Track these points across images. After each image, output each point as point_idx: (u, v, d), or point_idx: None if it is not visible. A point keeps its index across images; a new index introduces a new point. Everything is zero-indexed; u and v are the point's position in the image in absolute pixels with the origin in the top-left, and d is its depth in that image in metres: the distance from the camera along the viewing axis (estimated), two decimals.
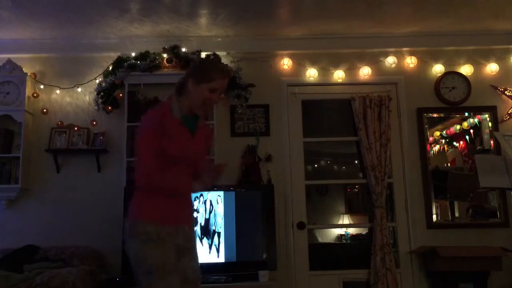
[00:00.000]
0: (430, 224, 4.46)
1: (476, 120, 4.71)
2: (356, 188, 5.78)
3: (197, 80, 2.40)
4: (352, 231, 5.41)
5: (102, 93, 4.46)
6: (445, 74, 4.66)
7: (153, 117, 2.41)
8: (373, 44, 4.69)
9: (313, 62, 4.69)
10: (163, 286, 2.28)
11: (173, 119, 2.41)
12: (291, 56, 4.66)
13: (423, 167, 4.54)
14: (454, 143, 4.78)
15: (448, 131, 4.76)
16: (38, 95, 4.52)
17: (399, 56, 4.70)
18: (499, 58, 4.71)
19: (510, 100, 4.62)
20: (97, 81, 4.53)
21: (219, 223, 4.05)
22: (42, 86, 4.55)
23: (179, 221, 2.44)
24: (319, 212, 5.54)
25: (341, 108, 4.67)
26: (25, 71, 4.45)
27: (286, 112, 4.60)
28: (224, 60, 4.48)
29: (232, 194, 4.09)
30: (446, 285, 4.10)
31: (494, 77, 4.69)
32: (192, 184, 2.47)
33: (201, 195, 4.08)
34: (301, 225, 4.44)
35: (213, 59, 2.58)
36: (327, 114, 4.86)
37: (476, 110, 4.69)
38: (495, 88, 4.67)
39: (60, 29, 4.41)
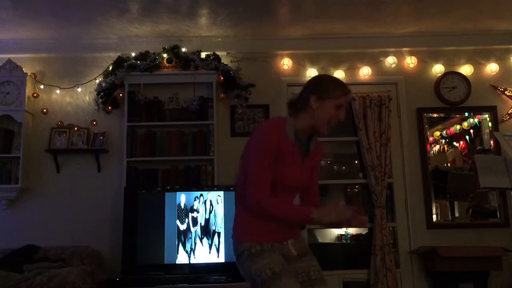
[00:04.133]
0: (430, 224, 4.46)
1: (476, 120, 4.71)
2: (356, 188, 5.77)
3: (321, 96, 2.24)
4: (352, 231, 5.38)
5: (102, 93, 4.47)
6: (445, 74, 4.66)
7: (267, 137, 2.25)
8: (373, 44, 4.69)
9: (313, 62, 4.69)
10: None
11: (288, 142, 2.23)
12: (291, 56, 4.66)
13: (423, 167, 4.54)
14: (454, 143, 4.78)
15: (448, 131, 4.76)
16: (38, 95, 4.52)
17: (399, 56, 4.71)
18: (499, 58, 4.71)
19: (510, 100, 4.62)
20: (97, 81, 4.53)
21: (219, 223, 4.05)
22: (42, 86, 4.55)
23: (283, 239, 2.30)
24: None
25: None
26: (25, 71, 4.45)
27: (286, 112, 4.58)
28: (224, 60, 4.54)
29: (232, 194, 4.08)
30: (446, 285, 4.10)
31: (494, 77, 4.69)
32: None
33: (201, 195, 4.08)
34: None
35: (329, 76, 2.51)
36: None
37: (476, 110, 4.69)
38: (495, 88, 4.67)
39: (60, 29, 4.41)
